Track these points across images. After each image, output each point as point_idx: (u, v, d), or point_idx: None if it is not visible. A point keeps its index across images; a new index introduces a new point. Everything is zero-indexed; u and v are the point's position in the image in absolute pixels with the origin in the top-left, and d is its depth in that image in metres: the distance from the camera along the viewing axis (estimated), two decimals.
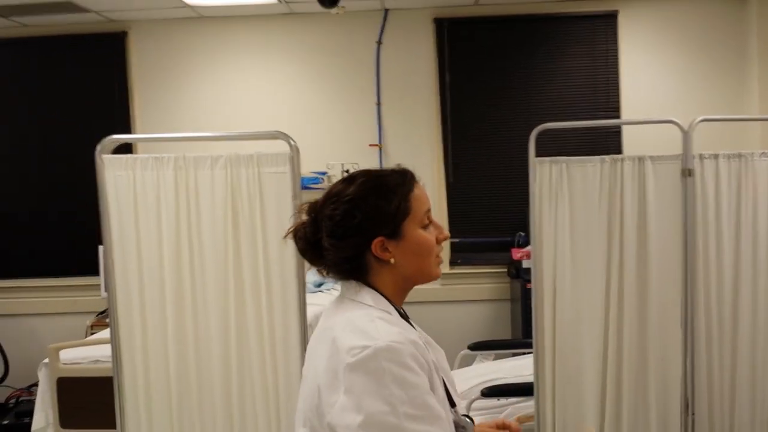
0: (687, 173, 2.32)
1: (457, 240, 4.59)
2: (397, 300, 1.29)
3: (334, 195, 1.27)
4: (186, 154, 2.29)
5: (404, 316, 1.30)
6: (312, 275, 3.47)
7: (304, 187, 3.24)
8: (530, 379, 2.48)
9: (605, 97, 4.38)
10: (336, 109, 4.46)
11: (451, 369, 3.22)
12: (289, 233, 1.32)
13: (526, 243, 3.85)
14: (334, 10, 3.83)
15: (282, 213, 2.21)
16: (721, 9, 4.32)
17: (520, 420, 2.64)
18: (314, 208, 1.29)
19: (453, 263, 4.58)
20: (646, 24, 4.38)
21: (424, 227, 1.27)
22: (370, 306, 1.23)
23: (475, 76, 4.47)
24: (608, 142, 4.35)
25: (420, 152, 4.46)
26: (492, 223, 4.60)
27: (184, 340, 2.30)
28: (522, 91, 4.46)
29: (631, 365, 2.43)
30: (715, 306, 2.40)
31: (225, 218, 2.26)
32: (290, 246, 2.15)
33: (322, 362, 1.19)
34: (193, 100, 4.51)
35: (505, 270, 4.48)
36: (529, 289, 2.55)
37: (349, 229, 1.24)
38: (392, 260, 1.25)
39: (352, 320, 1.21)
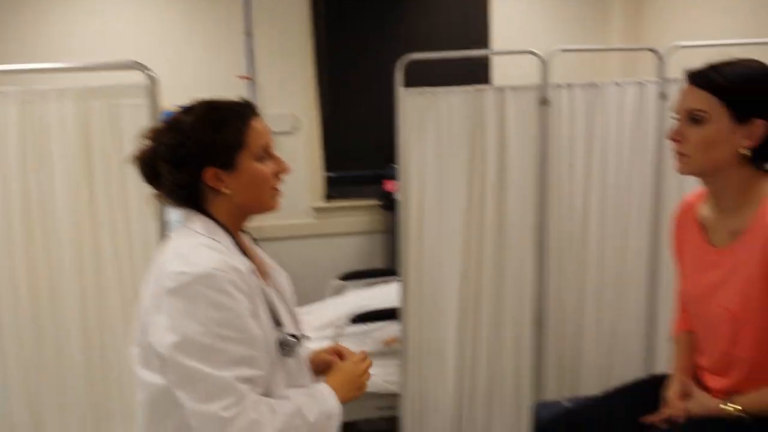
0: (543, 102, 2.41)
1: (333, 174, 4.58)
2: (233, 227, 1.35)
3: (173, 123, 1.32)
4: (33, 86, 2.12)
5: (239, 244, 1.34)
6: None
7: None
8: (397, 304, 2.56)
9: (476, 29, 4.44)
10: (201, 40, 4.23)
11: (323, 299, 3.30)
12: (131, 157, 1.35)
13: None
14: None
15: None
16: None
17: (387, 342, 2.74)
18: (155, 134, 1.33)
19: (327, 197, 4.58)
20: None
21: (260, 160, 1.32)
22: (200, 234, 1.28)
23: (348, 5, 4.39)
24: (479, 75, 4.44)
25: (293, 84, 4.35)
26: (367, 156, 4.61)
27: (36, 285, 2.16)
28: (394, 22, 4.44)
29: (489, 285, 2.55)
30: (566, 227, 2.55)
31: (77, 155, 2.12)
32: None
33: (150, 286, 1.25)
34: (42, 28, 4.12)
35: (379, 202, 4.54)
36: None
37: (183, 158, 1.28)
38: (226, 190, 1.31)
39: (179, 247, 1.27)
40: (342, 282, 3.38)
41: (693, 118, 1.41)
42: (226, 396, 1.15)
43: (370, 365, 1.50)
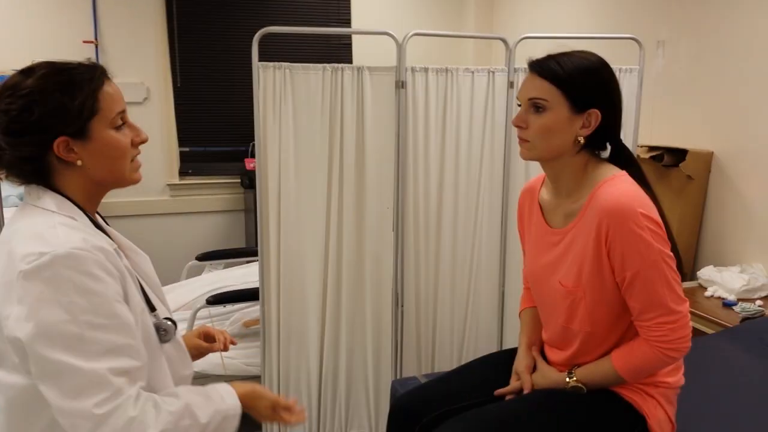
0: (400, 85, 2.45)
1: (187, 149, 4.41)
2: (88, 205, 1.22)
3: (10, 87, 1.14)
4: None
5: (96, 223, 1.21)
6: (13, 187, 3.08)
7: None
8: (257, 285, 2.52)
9: (336, 8, 4.43)
10: (45, 2, 3.91)
11: (179, 280, 3.17)
12: None
13: None
14: None
15: None
16: None
17: (247, 324, 2.69)
18: None
19: (183, 173, 4.41)
20: None
21: (117, 128, 1.19)
22: (53, 212, 1.14)
23: None
24: (340, 54, 4.44)
25: (144, 53, 4.12)
26: (225, 132, 4.48)
27: None
28: (253, 5, 4.32)
29: (350, 266, 2.57)
30: (423, 208, 2.61)
31: None
32: None
33: None
34: None
35: (239, 180, 4.44)
36: None
37: (27, 126, 1.12)
38: (79, 162, 1.17)
39: (30, 227, 1.11)
40: (199, 262, 3.26)
41: (535, 105, 1.48)
42: (99, 390, 1.02)
43: (289, 422, 1.35)
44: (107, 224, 1.33)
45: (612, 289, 1.48)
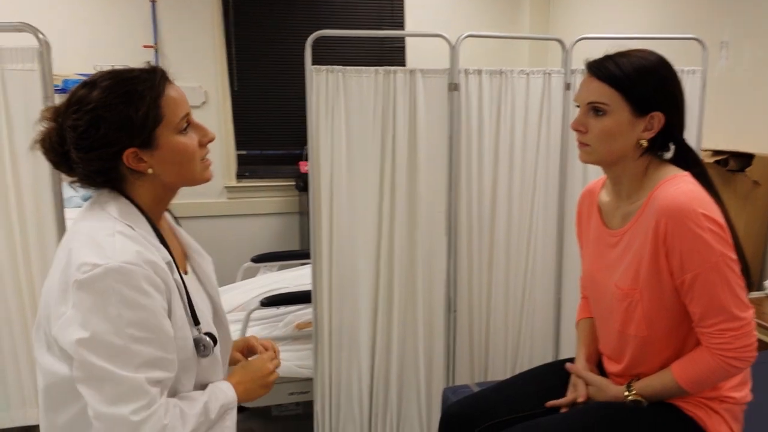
0: (453, 87, 2.42)
1: (244, 152, 4.48)
2: (157, 209, 1.25)
3: (75, 102, 1.16)
4: None
5: (158, 230, 1.23)
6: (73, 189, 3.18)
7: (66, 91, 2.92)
8: (309, 287, 2.53)
9: (390, 12, 4.43)
10: (105, 5, 4.03)
11: (234, 281, 3.22)
12: (35, 144, 1.20)
13: None
14: None
15: (32, 116, 1.95)
16: None
17: (299, 326, 2.71)
18: (57, 115, 1.18)
19: (240, 176, 4.48)
20: None
21: (182, 132, 1.20)
22: (115, 218, 1.17)
23: None
24: (394, 57, 4.44)
25: (201, 56, 4.20)
26: (281, 135, 4.53)
27: None
28: (308, 7, 4.36)
29: (401, 270, 2.55)
30: (476, 212, 2.57)
31: None
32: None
33: (57, 272, 1.14)
34: None
35: (294, 183, 4.48)
36: None
37: (96, 141, 1.14)
38: (150, 171, 1.19)
39: (91, 232, 1.15)
40: (255, 264, 3.30)
41: (595, 109, 1.44)
42: (137, 399, 1.08)
43: (278, 365, 1.44)
44: (178, 223, 1.38)
45: (671, 293, 1.42)
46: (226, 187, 4.43)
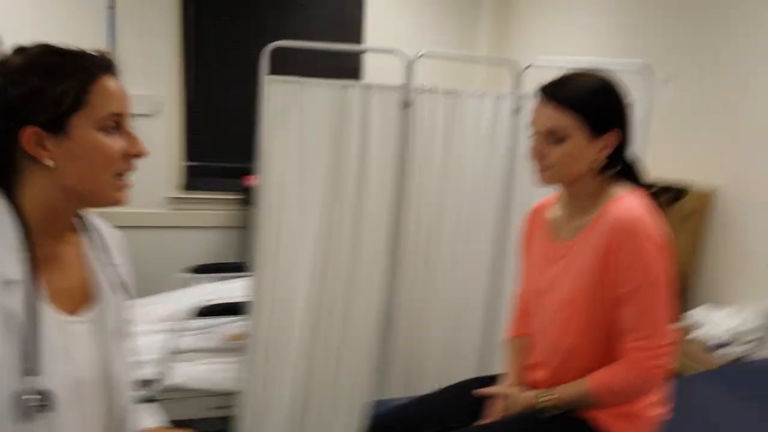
0: (406, 104, 2.42)
1: (194, 164, 4.40)
2: (46, 221, 1.02)
3: None
4: None
5: (32, 244, 1.00)
6: None
7: None
8: (244, 299, 2.46)
9: (351, 29, 4.45)
10: (60, 11, 3.93)
11: (170, 291, 3.12)
12: None
13: None
14: None
15: None
16: None
17: (232, 338, 2.63)
18: None
19: (185, 187, 4.38)
20: None
21: (106, 131, 1.01)
22: None
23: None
24: (354, 71, 4.45)
25: (158, 65, 4.12)
26: (231, 148, 4.47)
27: None
28: (267, 11, 4.35)
29: (342, 286, 2.52)
30: (423, 228, 2.57)
31: None
32: None
33: None
34: None
35: (239, 197, 4.41)
36: None
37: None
38: (50, 162, 0.98)
39: None
40: (190, 275, 3.21)
41: (554, 135, 1.45)
42: None
43: None
44: (109, 250, 1.16)
45: (608, 306, 1.45)
46: (169, 198, 4.32)
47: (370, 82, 2.44)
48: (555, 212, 1.65)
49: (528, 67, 2.51)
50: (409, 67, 2.39)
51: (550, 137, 1.46)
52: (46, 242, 1.02)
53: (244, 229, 4.30)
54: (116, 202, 1.06)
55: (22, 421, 0.93)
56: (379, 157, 2.46)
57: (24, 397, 0.93)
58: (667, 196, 2.98)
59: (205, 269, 3.26)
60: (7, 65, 0.99)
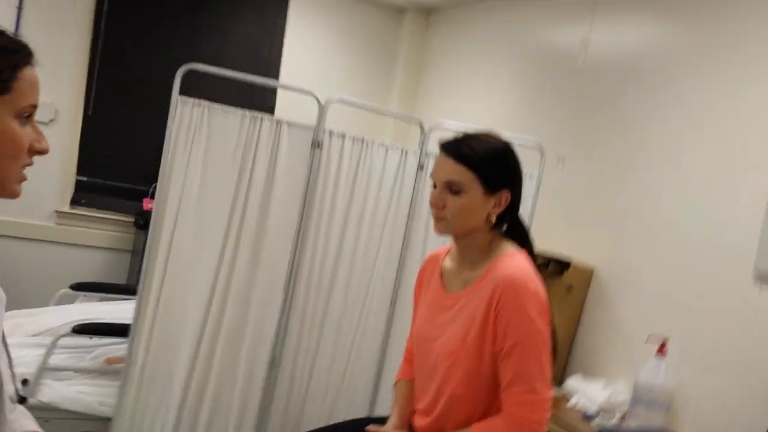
0: (316, 144, 2.48)
1: (84, 178, 4.24)
2: None
3: None
4: None
5: None
6: None
7: None
8: (128, 322, 2.39)
9: (267, 64, 4.50)
10: None
11: (50, 306, 2.96)
12: None
13: None
14: None
15: None
16: (382, 15, 4.83)
17: (110, 361, 2.53)
18: None
19: (75, 202, 4.21)
20: (315, 8, 4.64)
21: (20, 119, 0.98)
22: None
23: (137, 11, 4.19)
24: (264, 102, 4.47)
25: (60, 72, 4.00)
26: (129, 168, 4.35)
27: None
28: (185, 38, 4.33)
29: (231, 319, 2.49)
30: (318, 269, 2.60)
31: None
32: None
33: None
34: None
35: (133, 220, 4.28)
36: None
37: None
38: None
39: None
40: (73, 292, 3.07)
41: (451, 188, 1.55)
42: None
43: None
44: None
45: (490, 357, 1.52)
46: (57, 212, 4.13)
47: (281, 118, 2.48)
48: (447, 263, 1.73)
49: (434, 128, 2.64)
50: (323, 109, 2.46)
51: (448, 189, 1.56)
52: None
53: (135, 253, 4.17)
54: (14, 194, 1.02)
55: None
56: (283, 193, 2.49)
57: None
58: (551, 267, 3.17)
59: (89, 287, 3.13)
60: None
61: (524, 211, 2.78)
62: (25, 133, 0.99)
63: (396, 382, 1.86)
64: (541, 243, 3.35)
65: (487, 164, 1.55)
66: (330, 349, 2.67)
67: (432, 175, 1.61)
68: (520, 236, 1.65)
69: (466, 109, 4.34)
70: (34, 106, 1.01)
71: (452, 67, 4.58)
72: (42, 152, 1.03)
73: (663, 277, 2.76)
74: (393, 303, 2.72)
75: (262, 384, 2.55)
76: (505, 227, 1.66)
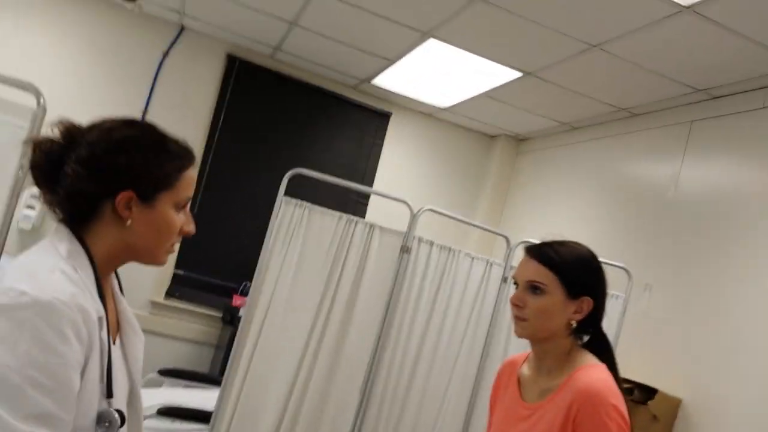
0: (405, 249, 2.59)
1: (181, 272, 4.46)
2: (106, 265, 1.17)
3: (108, 128, 1.16)
4: None
5: (100, 285, 1.15)
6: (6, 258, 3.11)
7: None
8: (211, 409, 2.46)
9: (363, 176, 4.72)
10: (101, 104, 4.20)
11: None
12: (31, 140, 1.15)
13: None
14: (130, 5, 3.70)
15: (3, 169, 2.00)
16: (475, 139, 5.04)
17: None
18: (74, 129, 1.15)
19: (169, 294, 4.42)
20: (412, 129, 4.91)
21: (177, 210, 1.19)
22: (62, 257, 1.10)
23: (250, 120, 4.55)
24: (357, 206, 4.65)
25: None
26: (224, 264, 4.55)
27: None
28: (289, 151, 4.62)
29: (309, 414, 2.53)
30: (396, 372, 2.63)
31: None
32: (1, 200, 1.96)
33: None
34: None
35: (221, 315, 4.44)
36: None
37: (106, 168, 1.12)
38: (129, 222, 1.14)
39: (33, 263, 1.09)
40: (159, 377, 3.19)
41: (533, 287, 1.58)
42: None
43: None
44: (122, 292, 1.30)
45: None
46: (152, 302, 4.35)
47: (374, 222, 2.61)
48: (524, 370, 1.72)
49: (520, 243, 2.70)
50: (414, 217, 2.58)
51: (529, 289, 1.59)
52: (103, 282, 1.16)
53: (218, 347, 4.30)
54: (162, 263, 1.23)
55: None
56: (369, 293, 2.58)
57: (108, 416, 1.09)
58: (636, 394, 3.06)
59: (175, 374, 3.25)
60: (119, 131, 1.16)
61: (609, 334, 2.75)
62: (179, 218, 1.20)
63: None
64: (626, 369, 3.27)
65: (570, 268, 1.57)
66: None
67: (515, 276, 1.65)
68: (602, 349, 1.63)
69: (553, 227, 4.37)
70: (189, 198, 1.22)
71: (539, 191, 4.67)
72: (188, 234, 1.23)
73: (753, 412, 2.61)
74: (470, 410, 2.69)
75: None
76: (586, 339, 1.64)
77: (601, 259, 1.79)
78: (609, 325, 2.71)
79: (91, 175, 1.12)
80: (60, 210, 1.16)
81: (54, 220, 1.18)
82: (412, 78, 4.17)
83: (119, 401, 1.14)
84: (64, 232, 1.14)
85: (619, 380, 1.57)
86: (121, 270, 1.26)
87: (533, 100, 3.97)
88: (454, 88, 4.14)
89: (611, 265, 2.84)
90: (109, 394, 1.10)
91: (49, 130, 1.16)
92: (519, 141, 5.05)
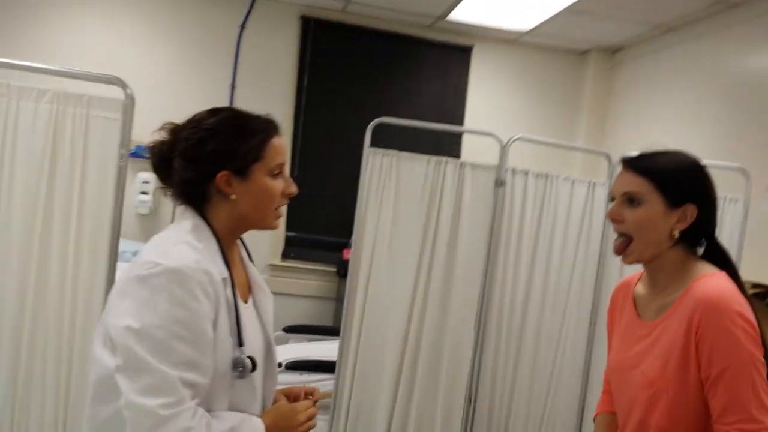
0: (499, 183, 2.54)
1: (293, 234, 4.63)
2: (227, 236, 1.35)
3: (195, 120, 1.33)
4: (11, 82, 2.14)
5: (224, 252, 1.31)
6: (130, 243, 3.34)
7: (140, 156, 3.15)
8: (334, 359, 2.57)
9: (452, 115, 4.65)
10: (189, 85, 4.36)
11: None
12: (149, 146, 1.36)
13: None
14: None
15: (106, 160, 2.11)
16: (563, 59, 4.82)
17: (318, 397, 2.71)
18: (175, 129, 1.34)
19: (285, 256, 4.61)
20: (497, 59, 4.74)
21: (273, 176, 1.33)
22: (186, 232, 1.28)
23: (332, 78, 4.58)
24: (452, 149, 4.61)
25: None
26: (330, 222, 4.68)
27: None
28: (375, 102, 4.62)
29: (426, 356, 2.59)
30: (508, 308, 2.62)
31: (43, 154, 2.07)
32: (108, 190, 2.10)
33: (125, 272, 1.25)
34: (43, 35, 4.20)
35: (336, 269, 4.58)
36: None
37: (200, 156, 1.30)
38: (233, 196, 1.31)
39: (162, 240, 1.29)
40: (285, 334, 3.37)
41: (630, 199, 1.51)
42: (168, 394, 1.13)
43: (313, 414, 1.43)
44: (250, 258, 1.47)
45: (695, 386, 1.41)
46: (270, 265, 4.55)
47: (464, 160, 2.57)
48: (639, 289, 1.66)
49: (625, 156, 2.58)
50: (504, 149, 2.52)
51: (627, 201, 1.51)
52: (227, 250, 1.34)
53: (338, 300, 4.45)
54: (273, 227, 1.38)
55: (239, 378, 1.27)
56: (469, 231, 2.57)
57: (241, 361, 1.27)
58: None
59: (299, 330, 3.41)
60: (205, 123, 1.32)
61: (731, 239, 2.60)
62: (277, 184, 1.34)
63: (596, 416, 1.80)
64: (757, 274, 3.08)
65: (667, 175, 1.48)
66: (527, 384, 2.66)
67: (611, 190, 1.58)
68: (720, 257, 1.54)
69: (660, 137, 4.14)
70: (282, 164, 1.36)
71: (641, 102, 4.41)
72: (291, 194, 1.37)
73: None
74: (590, 337, 2.65)
75: (461, 420, 2.58)
76: (701, 251, 1.56)
77: (714, 161, 1.67)
78: (731, 231, 2.56)
79: (191, 165, 1.31)
80: (180, 199, 1.36)
81: (177, 206, 1.37)
82: (488, 5, 4.02)
83: (251, 350, 1.30)
84: (188, 212, 1.34)
85: (743, 286, 1.49)
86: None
87: (620, 3, 3.72)
88: (534, 7, 3.94)
89: (724, 168, 2.65)
90: (240, 343, 1.27)
91: (145, 123, 1.41)
92: (612, 53, 4.76)
